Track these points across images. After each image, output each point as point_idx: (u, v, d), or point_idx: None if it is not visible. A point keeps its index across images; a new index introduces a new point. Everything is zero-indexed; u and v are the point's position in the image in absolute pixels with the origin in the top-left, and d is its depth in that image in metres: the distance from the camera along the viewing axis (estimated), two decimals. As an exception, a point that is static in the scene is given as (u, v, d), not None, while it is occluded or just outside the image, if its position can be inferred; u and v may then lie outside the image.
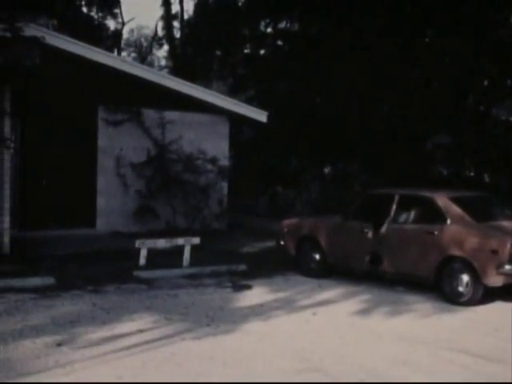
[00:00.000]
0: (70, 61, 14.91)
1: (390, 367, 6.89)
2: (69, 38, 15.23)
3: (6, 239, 12.73)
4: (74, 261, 12.20)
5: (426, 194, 11.22)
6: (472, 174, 22.37)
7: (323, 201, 18.43)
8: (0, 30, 11.83)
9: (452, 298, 10.04)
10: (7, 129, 12.68)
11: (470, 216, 10.43)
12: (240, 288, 10.90)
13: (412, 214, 11.12)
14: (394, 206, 11.21)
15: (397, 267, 10.98)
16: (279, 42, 29.20)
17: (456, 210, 10.52)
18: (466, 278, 9.96)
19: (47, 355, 6.96)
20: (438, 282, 10.29)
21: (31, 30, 13.08)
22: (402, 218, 11.19)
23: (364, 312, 9.44)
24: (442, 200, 10.73)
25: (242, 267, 12.43)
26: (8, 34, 11.91)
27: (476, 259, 9.86)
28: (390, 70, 20.40)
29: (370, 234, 11.21)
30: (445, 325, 8.82)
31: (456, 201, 10.74)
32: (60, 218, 15.29)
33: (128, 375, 6.43)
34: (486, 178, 21.98)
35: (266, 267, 12.58)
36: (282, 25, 28.80)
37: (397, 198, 11.28)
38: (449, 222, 10.40)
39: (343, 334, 8.23)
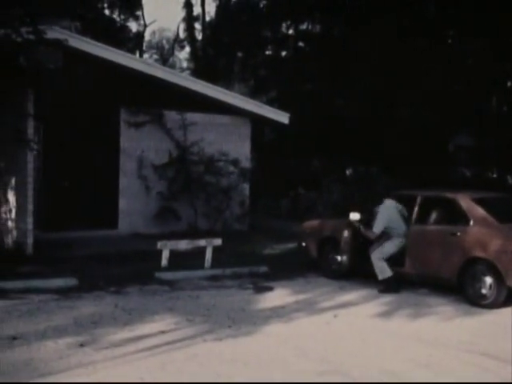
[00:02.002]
0: (93, 63, 14.99)
1: (411, 369, 6.85)
2: (91, 41, 15.32)
3: (30, 240, 12.82)
4: (97, 262, 12.27)
5: (449, 195, 11.15)
6: (495, 175, 22.24)
7: (345, 202, 18.35)
8: (24, 33, 11.92)
9: (475, 301, 9.96)
10: (30, 130, 12.78)
11: (493, 217, 10.34)
12: (261, 290, 10.90)
13: (434, 215, 11.05)
14: (417, 207, 11.16)
15: (419, 269, 10.92)
16: (300, 44, 29.21)
17: (479, 211, 10.44)
18: (489, 280, 9.88)
19: (70, 356, 6.99)
20: (461, 284, 10.21)
21: (54, 33, 13.18)
22: (425, 219, 11.13)
23: (385, 314, 9.40)
24: (464, 201, 10.67)
25: (264, 269, 12.43)
26: (31, 37, 12.00)
27: (499, 261, 9.78)
28: (412, 71, 20.31)
29: None
30: (467, 327, 8.76)
31: (479, 202, 10.66)
32: (82, 220, 15.38)
33: (149, 376, 6.45)
34: (509, 180, 21.84)
35: (288, 269, 12.56)
36: (304, 26, 28.81)
37: (419, 199, 11.22)
38: (472, 223, 10.33)
39: (365, 336, 8.19)
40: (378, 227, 11.23)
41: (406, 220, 11.33)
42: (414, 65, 20.38)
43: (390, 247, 11.16)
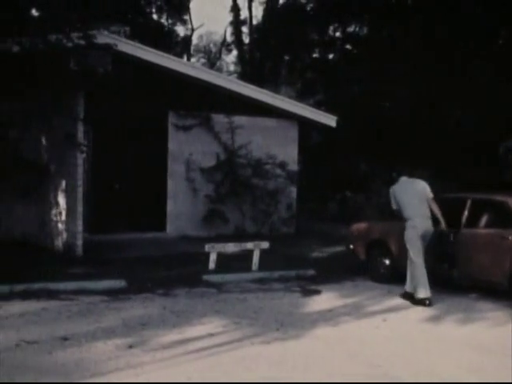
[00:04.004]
0: (141, 67, 15.14)
1: (461, 375, 6.76)
2: (140, 45, 15.47)
3: (79, 242, 12.99)
4: (145, 264, 12.37)
5: (500, 198, 10.95)
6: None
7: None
8: (74, 38, 12.10)
9: (527, 306, 9.80)
10: (80, 134, 12.97)
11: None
12: (309, 293, 10.86)
13: (485, 219, 10.86)
14: (467, 210, 11.01)
15: (469, 272, 10.77)
16: (348, 46, 29.09)
17: (530, 214, 10.26)
18: (541, 284, 9.70)
19: (119, 357, 7.05)
20: (512, 289, 10.04)
21: (104, 38, 13.34)
22: (474, 222, 10.96)
23: (435, 319, 9.29)
24: (515, 204, 10.48)
25: (311, 272, 12.39)
26: (82, 42, 12.17)
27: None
28: (463, 72, 20.08)
29: (444, 239, 10.98)
30: (518, 333, 8.61)
31: (530, 205, 10.47)
32: (131, 222, 15.54)
33: (197, 378, 6.47)
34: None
35: (335, 272, 12.51)
36: (351, 29, 28.68)
37: (469, 202, 11.06)
38: (523, 226, 10.15)
39: (413, 340, 8.11)
40: (392, 204, 10.79)
41: (425, 200, 10.58)
42: (464, 65, 20.15)
43: (410, 235, 10.47)
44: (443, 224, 10.72)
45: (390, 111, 23.57)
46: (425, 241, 10.52)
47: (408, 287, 10.48)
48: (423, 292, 10.12)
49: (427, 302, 10.01)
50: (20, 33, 11.75)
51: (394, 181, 11.17)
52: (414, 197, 10.64)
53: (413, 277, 10.37)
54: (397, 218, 10.95)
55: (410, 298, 10.33)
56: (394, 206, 10.83)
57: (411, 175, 11.11)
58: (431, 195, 10.70)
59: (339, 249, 14.37)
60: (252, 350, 7.44)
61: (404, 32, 22.63)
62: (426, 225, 10.55)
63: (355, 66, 25.11)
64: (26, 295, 9.73)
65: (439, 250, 10.93)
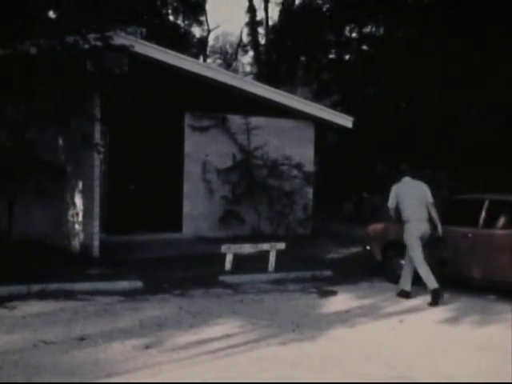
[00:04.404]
0: (158, 68, 15.16)
1: (478, 377, 6.72)
2: (156, 46, 15.50)
3: (96, 243, 13.02)
4: (161, 265, 12.39)
5: (517, 199, 10.91)
6: None
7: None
8: (91, 39, 12.15)
9: (545, 307, 9.73)
10: (97, 135, 13.00)
11: None
12: (325, 294, 10.84)
13: (502, 219, 10.82)
14: (484, 211, 10.95)
15: (486, 274, 10.71)
16: (364, 47, 29.05)
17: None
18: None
19: (135, 357, 7.07)
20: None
21: (120, 39, 13.38)
22: (492, 223, 10.91)
23: (452, 320, 9.25)
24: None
25: (327, 273, 12.38)
26: (99, 43, 12.21)
27: None
28: (479, 73, 19.98)
29: (463, 239, 10.94)
30: (537, 335, 8.55)
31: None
32: (147, 223, 15.56)
33: (213, 379, 6.47)
34: None
35: (351, 273, 12.49)
36: (367, 29, 28.65)
37: (487, 203, 11.01)
38: (541, 227, 10.09)
39: (431, 342, 8.07)
40: (389, 202, 10.92)
41: (425, 204, 10.71)
42: (480, 66, 20.05)
43: (409, 237, 10.64)
44: (439, 230, 10.73)
45: (407, 111, 23.50)
46: (422, 242, 10.63)
47: (402, 285, 10.73)
48: (431, 283, 10.29)
49: (439, 292, 10.22)
50: (37, 34, 11.81)
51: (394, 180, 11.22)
52: (415, 199, 10.75)
53: (406, 274, 10.76)
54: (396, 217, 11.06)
55: (406, 295, 10.57)
56: (391, 205, 10.91)
57: (414, 176, 11.21)
58: (431, 200, 10.82)
59: (355, 250, 14.34)
60: (268, 351, 7.44)
61: (420, 32, 22.55)
62: (423, 227, 10.68)
63: (371, 66, 25.06)
64: (43, 295, 9.77)
65: (438, 254, 10.88)
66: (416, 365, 7.09)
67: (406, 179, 11.06)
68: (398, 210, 10.85)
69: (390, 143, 22.66)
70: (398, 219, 10.88)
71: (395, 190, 10.93)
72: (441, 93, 21.11)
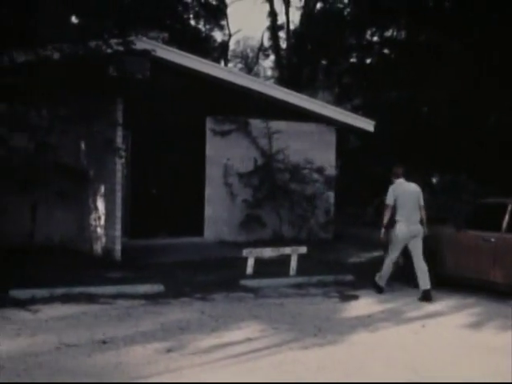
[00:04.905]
0: (179, 72, 15.24)
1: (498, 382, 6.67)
2: (178, 51, 15.57)
3: (118, 247, 13.07)
4: (183, 269, 12.41)
5: (541, 203, 10.82)
6: None
7: (431, 210, 18.07)
8: (113, 44, 12.22)
9: None
10: (119, 139, 13.06)
11: None
12: (347, 298, 10.82)
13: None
14: (507, 216, 10.86)
15: (509, 279, 10.62)
16: (385, 51, 28.95)
17: None
18: None
19: (157, 361, 7.08)
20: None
21: (142, 44, 13.46)
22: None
23: (474, 325, 9.18)
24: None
25: (349, 277, 12.34)
26: (121, 48, 12.28)
27: None
28: (501, 77, 19.86)
29: (486, 244, 10.91)
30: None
31: None
32: (169, 227, 15.61)
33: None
34: None
35: (373, 277, 12.41)
36: (389, 33, 28.54)
37: (510, 207, 10.93)
38: None
39: (453, 347, 8.02)
40: (387, 200, 11.25)
41: (418, 206, 11.20)
42: (503, 67, 19.92)
43: (397, 237, 11.12)
44: (425, 230, 11.18)
45: (429, 115, 23.39)
46: (409, 242, 11.12)
47: (422, 285, 10.91)
48: (384, 282, 11.28)
49: (382, 290, 11.22)
50: (60, 40, 11.89)
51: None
52: (410, 201, 11.19)
53: (421, 274, 10.98)
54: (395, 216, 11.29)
55: (427, 296, 10.76)
56: (390, 203, 11.22)
57: (408, 178, 11.56)
58: (422, 203, 11.30)
59: (377, 254, 14.27)
60: (290, 355, 7.42)
61: (442, 35, 22.44)
62: (414, 229, 11.10)
63: (393, 70, 24.96)
64: (65, 299, 9.82)
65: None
66: (439, 370, 7.04)
67: (401, 181, 11.42)
68: (393, 209, 11.21)
69: (411, 147, 22.55)
70: (389, 220, 11.22)
71: (393, 190, 11.29)
72: (463, 96, 20.97)
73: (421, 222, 11.21)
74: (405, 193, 11.20)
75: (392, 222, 11.17)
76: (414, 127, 22.45)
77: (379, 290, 11.25)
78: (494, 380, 6.72)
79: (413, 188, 11.37)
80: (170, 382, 6.45)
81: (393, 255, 11.25)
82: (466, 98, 21.02)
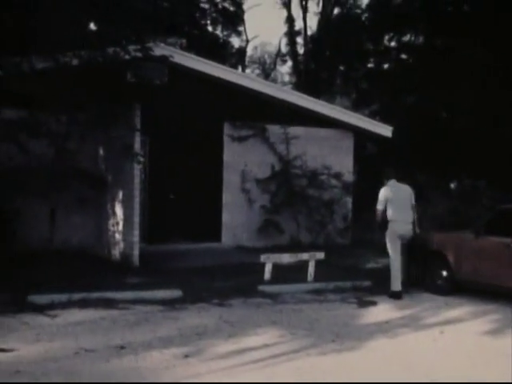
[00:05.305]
0: (197, 78, 15.26)
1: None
2: (195, 56, 15.61)
3: (136, 252, 13.09)
4: (200, 274, 12.40)
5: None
6: None
7: (450, 216, 17.97)
8: (131, 51, 12.27)
9: None
10: (137, 145, 13.09)
11: None
12: (365, 304, 10.78)
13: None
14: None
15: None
16: (403, 56, 28.90)
17: None
18: None
19: (175, 366, 7.08)
20: None
21: (160, 50, 13.51)
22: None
23: (494, 332, 9.11)
24: None
25: (367, 283, 12.29)
26: (139, 54, 12.34)
27: None
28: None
29: (505, 250, 10.84)
30: None
31: None
32: (186, 232, 15.62)
33: (254, 389, 6.47)
34: None
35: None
36: (406, 38, 28.50)
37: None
38: None
39: (472, 354, 7.96)
40: (378, 205, 11.64)
41: (410, 206, 11.65)
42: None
43: (391, 237, 11.57)
44: (417, 230, 11.79)
45: (447, 121, 23.30)
46: (403, 242, 11.64)
47: (393, 286, 11.43)
48: (396, 286, 11.34)
49: (400, 294, 11.27)
50: (79, 46, 11.97)
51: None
52: (402, 201, 11.65)
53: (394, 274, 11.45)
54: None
55: (397, 296, 11.26)
56: (380, 207, 11.62)
57: (399, 180, 11.93)
58: (414, 203, 11.81)
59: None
60: (308, 361, 7.40)
61: (461, 40, 22.36)
62: (406, 228, 11.64)
63: (411, 75, 24.91)
64: (83, 304, 9.86)
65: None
66: (458, 377, 6.98)
67: (392, 182, 11.82)
68: (384, 213, 11.60)
69: (429, 152, 22.47)
70: (383, 223, 11.64)
71: (384, 192, 11.67)
72: (482, 101, 20.88)
73: (413, 222, 11.68)
74: (397, 194, 11.62)
75: (385, 223, 11.60)
76: (432, 132, 22.37)
77: (397, 296, 11.26)
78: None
79: (405, 189, 11.82)
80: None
81: (394, 255, 11.51)
82: (486, 103, 20.92)
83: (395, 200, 11.55)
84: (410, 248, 11.93)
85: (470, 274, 11.40)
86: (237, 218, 16.29)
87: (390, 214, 11.54)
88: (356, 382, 6.60)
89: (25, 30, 11.34)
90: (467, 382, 6.51)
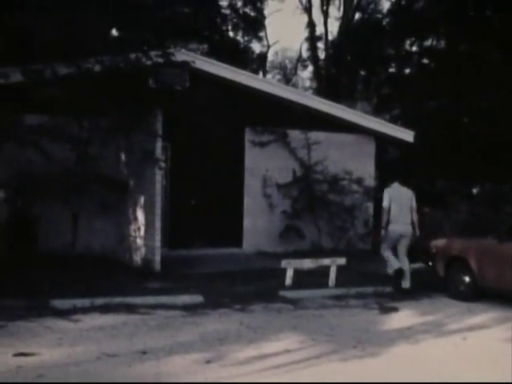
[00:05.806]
0: (218, 83, 15.29)
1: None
2: (216, 62, 15.65)
3: (158, 257, 13.11)
4: (221, 279, 12.41)
5: None
6: None
7: (472, 221, 17.86)
8: (153, 56, 12.32)
9: None
10: (159, 150, 13.12)
11: None
12: (386, 310, 10.73)
13: None
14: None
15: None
16: (425, 60, 28.78)
17: None
18: None
19: (197, 371, 7.08)
20: None
21: (181, 55, 13.58)
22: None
23: (518, 338, 9.03)
24: None
25: (389, 289, 12.24)
26: (160, 60, 12.38)
27: None
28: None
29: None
30: None
31: None
32: (208, 238, 15.64)
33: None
34: None
35: (413, 289, 12.32)
36: (428, 42, 28.37)
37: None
38: None
39: (495, 360, 7.88)
40: (384, 203, 12.32)
41: (410, 208, 12.35)
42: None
43: (389, 237, 12.36)
44: (417, 232, 12.50)
45: (469, 126, 23.16)
46: (399, 241, 12.37)
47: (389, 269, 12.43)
48: (395, 264, 12.22)
49: (402, 270, 12.18)
50: (101, 52, 12.04)
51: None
52: (403, 203, 12.34)
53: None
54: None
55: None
56: (386, 206, 12.29)
57: (402, 183, 12.68)
58: (415, 206, 12.50)
59: (417, 265, 14.12)
60: (329, 367, 7.37)
61: (483, 44, 22.24)
62: (405, 229, 12.34)
63: (432, 80, 24.79)
64: (105, 309, 9.90)
65: None
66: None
67: (395, 185, 12.58)
68: (389, 211, 12.26)
69: (451, 157, 22.34)
70: (386, 222, 12.29)
71: (388, 193, 12.40)
72: (505, 105, 20.73)
73: (412, 223, 12.36)
74: (399, 196, 12.34)
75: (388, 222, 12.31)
76: (454, 137, 22.24)
77: (399, 272, 12.18)
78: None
79: (406, 191, 12.54)
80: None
81: (384, 247, 12.47)
82: (508, 108, 20.77)
83: (396, 201, 12.26)
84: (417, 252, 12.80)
85: (492, 279, 11.30)
86: (258, 224, 16.28)
87: (391, 213, 12.24)
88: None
89: (47, 36, 11.41)
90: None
